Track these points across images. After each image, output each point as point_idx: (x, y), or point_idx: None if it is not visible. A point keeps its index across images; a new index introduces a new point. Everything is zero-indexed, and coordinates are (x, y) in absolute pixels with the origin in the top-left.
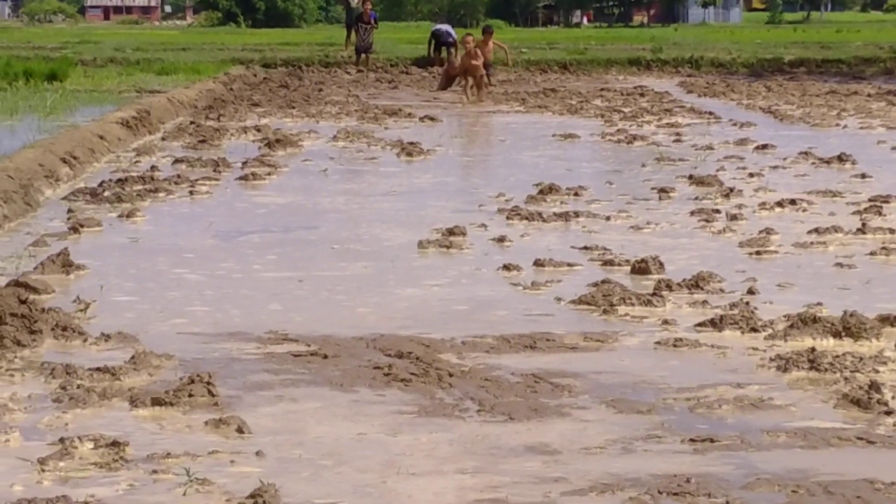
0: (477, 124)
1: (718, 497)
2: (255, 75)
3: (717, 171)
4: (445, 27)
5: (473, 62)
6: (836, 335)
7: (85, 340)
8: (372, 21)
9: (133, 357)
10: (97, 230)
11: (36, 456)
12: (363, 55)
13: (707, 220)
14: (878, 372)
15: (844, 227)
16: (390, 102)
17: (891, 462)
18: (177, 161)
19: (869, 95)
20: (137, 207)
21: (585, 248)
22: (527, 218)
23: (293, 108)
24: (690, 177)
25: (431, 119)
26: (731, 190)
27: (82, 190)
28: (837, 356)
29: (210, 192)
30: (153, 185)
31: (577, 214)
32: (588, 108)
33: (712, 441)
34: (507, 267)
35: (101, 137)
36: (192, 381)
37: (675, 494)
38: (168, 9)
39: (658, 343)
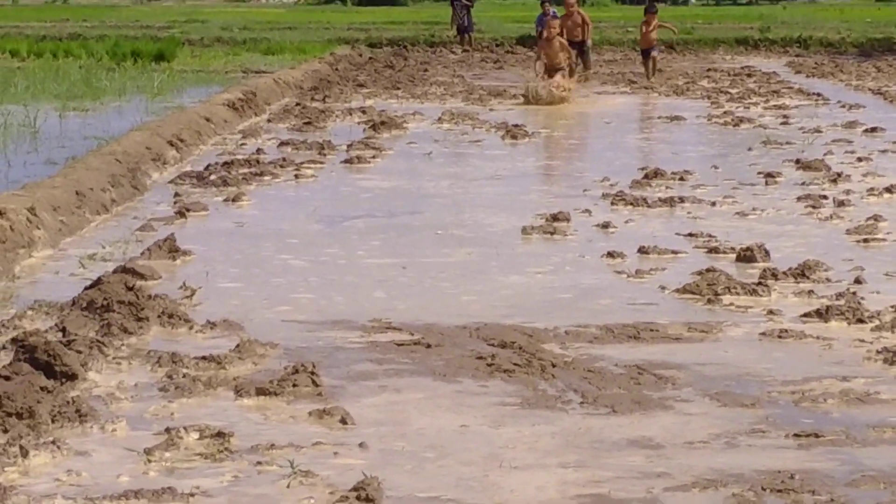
0: (582, 106)
1: (823, 494)
2: (361, 55)
3: (825, 154)
4: (553, 10)
5: (552, 50)
6: None
7: (191, 328)
8: None
9: (238, 345)
10: (203, 214)
11: (142, 446)
12: (466, 35)
13: (814, 207)
14: None
15: None
16: (495, 83)
17: None
18: (282, 144)
19: None
20: (243, 191)
21: (690, 234)
22: (631, 203)
23: (398, 88)
24: (797, 161)
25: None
26: (839, 175)
27: (189, 173)
28: None
29: (315, 175)
30: (259, 168)
31: (682, 200)
32: (694, 89)
33: (817, 436)
34: (610, 254)
35: (208, 119)
36: (297, 371)
37: (779, 491)
38: None
39: (763, 334)
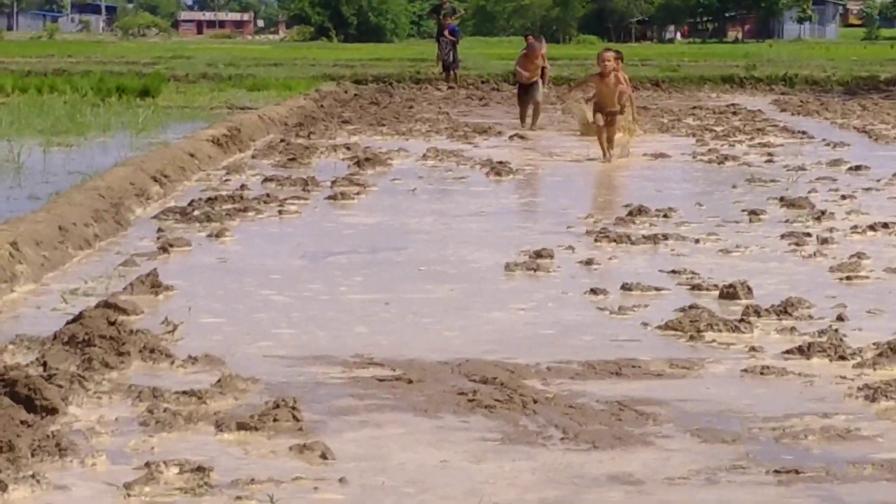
0: (567, 143)
1: None
2: (346, 92)
3: (809, 192)
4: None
5: (606, 88)
6: None
7: (172, 363)
8: (447, 34)
9: (219, 380)
10: (186, 250)
11: (122, 480)
12: (451, 71)
13: (797, 244)
14: None
15: None
16: (480, 120)
17: None
18: (266, 180)
19: None
20: (226, 227)
21: (674, 271)
22: (615, 240)
23: (383, 125)
24: (782, 199)
25: (521, 137)
26: (823, 213)
27: (172, 209)
28: None
29: (299, 211)
30: (242, 204)
31: (665, 237)
32: (680, 126)
33: (797, 472)
34: (594, 291)
35: (192, 155)
36: (277, 406)
37: None
38: (261, 23)
39: (745, 370)
